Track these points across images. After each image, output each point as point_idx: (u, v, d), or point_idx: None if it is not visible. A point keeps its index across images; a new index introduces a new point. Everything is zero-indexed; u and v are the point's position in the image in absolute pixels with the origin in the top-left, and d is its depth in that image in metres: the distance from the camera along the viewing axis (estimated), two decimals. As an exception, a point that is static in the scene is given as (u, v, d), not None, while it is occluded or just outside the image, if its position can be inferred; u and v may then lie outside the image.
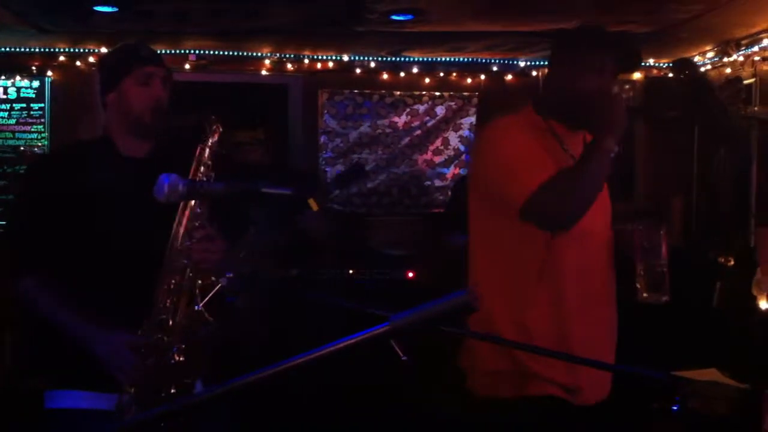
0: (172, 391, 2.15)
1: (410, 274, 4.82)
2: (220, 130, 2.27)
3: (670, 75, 5.74)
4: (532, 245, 2.32)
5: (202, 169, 2.24)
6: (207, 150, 2.25)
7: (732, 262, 4.61)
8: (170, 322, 2.17)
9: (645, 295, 2.33)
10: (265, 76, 5.81)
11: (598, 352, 2.35)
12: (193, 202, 2.17)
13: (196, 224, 2.18)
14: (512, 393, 2.34)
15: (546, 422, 2.34)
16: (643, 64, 5.96)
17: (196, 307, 2.15)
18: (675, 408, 3.02)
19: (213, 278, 2.14)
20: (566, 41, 2.46)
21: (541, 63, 5.80)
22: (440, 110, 6.02)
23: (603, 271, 2.46)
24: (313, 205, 2.07)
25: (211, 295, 2.13)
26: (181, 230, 2.18)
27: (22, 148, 5.63)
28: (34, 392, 2.40)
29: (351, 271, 4.78)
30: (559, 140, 2.38)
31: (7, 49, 5.54)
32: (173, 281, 2.17)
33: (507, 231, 2.35)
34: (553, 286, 2.34)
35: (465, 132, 6.04)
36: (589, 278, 2.40)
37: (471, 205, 2.48)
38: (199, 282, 2.17)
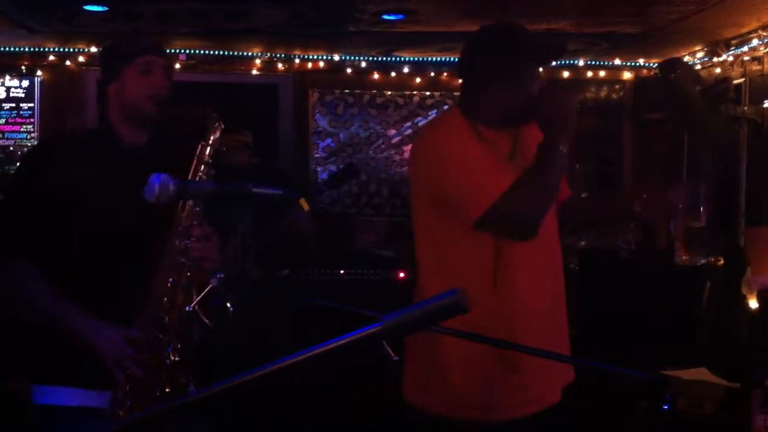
0: (167, 390, 2.15)
1: (401, 275, 4.82)
2: (222, 127, 2.27)
3: (660, 75, 5.76)
4: (484, 249, 2.30)
5: (202, 167, 2.23)
6: (208, 148, 2.25)
7: (721, 262, 4.63)
8: (168, 321, 2.16)
9: (685, 257, 2.28)
10: (256, 75, 5.81)
11: (555, 349, 2.36)
12: (191, 201, 2.16)
13: (194, 222, 2.18)
14: (478, 415, 2.31)
15: None
16: (632, 64, 5.98)
17: (188, 308, 2.14)
18: (665, 407, 3.03)
19: (208, 279, 2.13)
20: (500, 49, 2.35)
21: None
22: (431, 110, 6.03)
23: (553, 271, 2.45)
24: (304, 205, 2.07)
25: (202, 295, 2.12)
26: (180, 229, 2.18)
27: (11, 148, 5.62)
28: (19, 393, 2.38)
29: (342, 272, 4.78)
30: (485, 140, 2.35)
31: (-4, 48, 5.53)
32: (171, 279, 2.16)
33: (458, 236, 2.32)
34: (506, 288, 2.32)
35: (455, 132, 6.04)
36: (541, 277, 2.39)
37: (417, 212, 2.44)
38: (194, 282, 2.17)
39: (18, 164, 2.52)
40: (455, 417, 2.32)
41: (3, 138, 5.63)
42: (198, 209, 2.18)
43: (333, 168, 5.93)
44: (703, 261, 2.29)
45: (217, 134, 2.26)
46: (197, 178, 2.21)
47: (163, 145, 2.35)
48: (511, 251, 2.31)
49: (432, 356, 2.35)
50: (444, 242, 2.36)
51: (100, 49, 2.49)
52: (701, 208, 2.28)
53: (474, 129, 2.34)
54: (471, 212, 2.26)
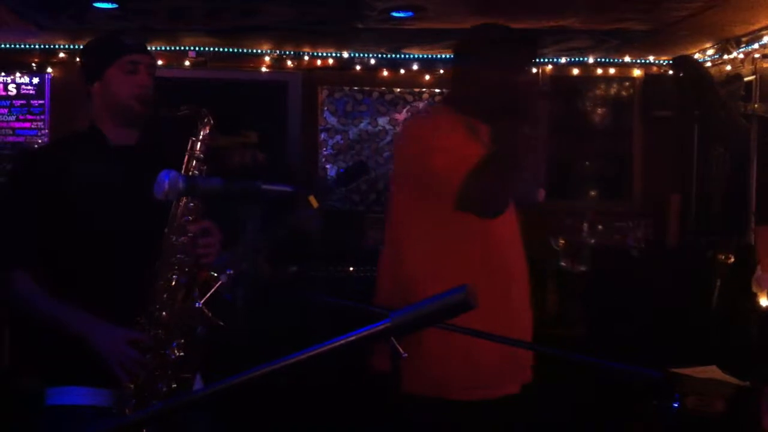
0: (173, 386, 2.15)
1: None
2: (212, 122, 2.26)
3: (670, 72, 5.74)
4: (471, 235, 2.40)
5: (194, 163, 2.22)
6: (199, 143, 2.24)
7: (732, 260, 4.61)
8: (168, 318, 2.16)
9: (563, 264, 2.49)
10: (265, 73, 5.81)
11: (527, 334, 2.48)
12: (186, 197, 2.15)
13: (190, 218, 2.18)
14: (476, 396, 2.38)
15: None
16: (642, 61, 5.96)
17: (197, 305, 2.14)
18: (675, 405, 3.03)
19: (212, 274, 2.13)
20: (488, 40, 2.51)
21: (542, 60, 5.79)
22: (440, 107, 6.01)
23: (522, 255, 2.55)
24: (313, 202, 2.08)
25: (211, 292, 2.12)
26: (176, 225, 2.17)
27: (22, 145, 5.63)
28: (31, 391, 2.38)
29: (351, 269, 4.78)
30: (476, 134, 2.43)
31: (7, 45, 5.55)
32: (170, 276, 2.17)
33: (443, 224, 2.41)
34: (496, 275, 2.41)
35: (465, 129, 6.02)
36: (515, 265, 2.51)
37: (399, 202, 2.52)
38: (194, 278, 2.17)
39: (10, 170, 2.51)
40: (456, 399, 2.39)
41: (14, 134, 5.65)
42: (192, 205, 2.18)
43: (342, 165, 5.93)
44: (583, 268, 2.50)
45: (208, 130, 2.24)
46: (190, 174, 2.20)
47: (152, 144, 2.34)
48: (496, 234, 2.41)
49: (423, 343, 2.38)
50: (430, 231, 2.44)
51: (81, 47, 2.46)
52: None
53: (466, 123, 2.44)
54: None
